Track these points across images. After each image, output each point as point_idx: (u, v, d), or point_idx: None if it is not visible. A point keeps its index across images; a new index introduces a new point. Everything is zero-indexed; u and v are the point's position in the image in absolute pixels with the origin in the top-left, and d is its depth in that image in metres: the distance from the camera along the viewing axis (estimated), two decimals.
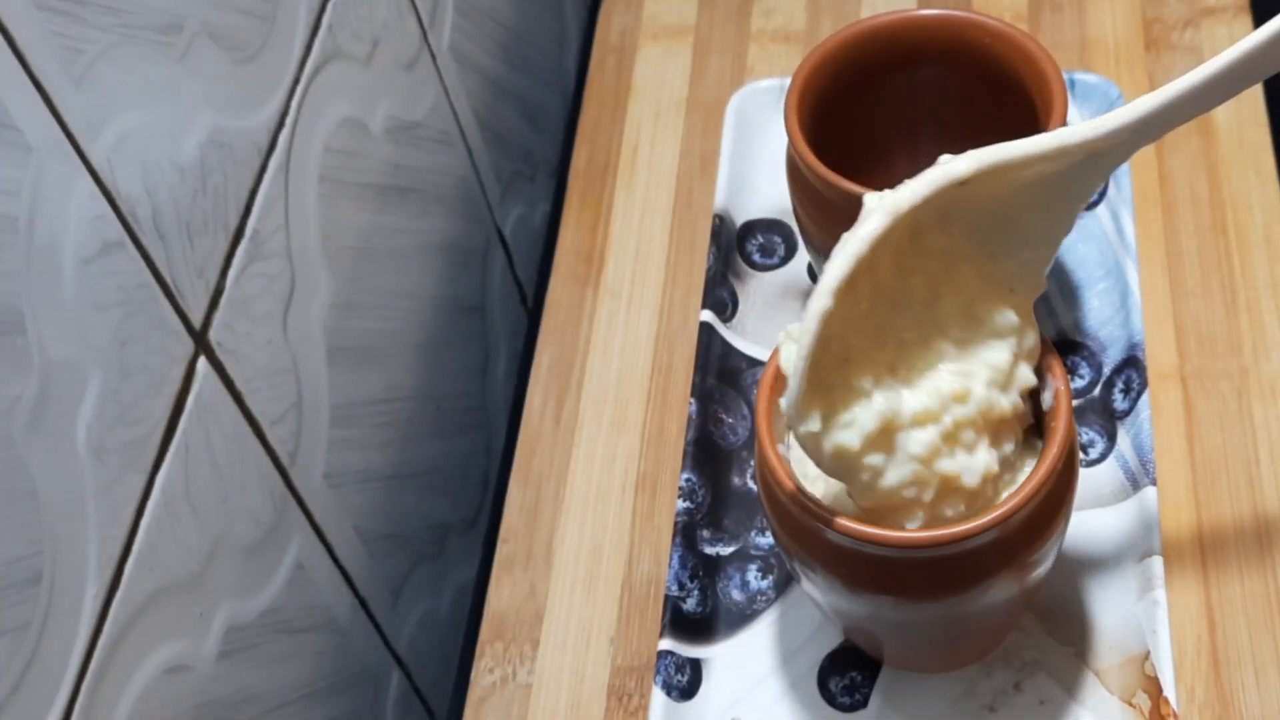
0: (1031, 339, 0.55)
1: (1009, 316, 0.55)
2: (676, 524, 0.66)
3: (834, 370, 0.52)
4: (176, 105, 0.55)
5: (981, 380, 0.54)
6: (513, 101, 0.91)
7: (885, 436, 0.52)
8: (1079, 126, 0.52)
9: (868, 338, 0.53)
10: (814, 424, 0.51)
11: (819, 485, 0.56)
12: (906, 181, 0.53)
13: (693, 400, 0.70)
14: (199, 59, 0.56)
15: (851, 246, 0.51)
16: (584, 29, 0.99)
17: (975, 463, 0.54)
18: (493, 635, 0.67)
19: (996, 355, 0.54)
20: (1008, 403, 0.54)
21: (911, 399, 0.53)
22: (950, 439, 0.53)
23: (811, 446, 0.52)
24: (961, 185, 0.52)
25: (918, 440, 0.53)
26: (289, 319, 0.63)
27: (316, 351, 0.66)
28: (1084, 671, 0.61)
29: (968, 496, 0.54)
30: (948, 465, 0.53)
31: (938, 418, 0.53)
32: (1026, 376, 0.55)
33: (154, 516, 0.53)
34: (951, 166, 0.52)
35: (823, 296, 0.50)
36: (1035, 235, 0.55)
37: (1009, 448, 0.55)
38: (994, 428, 0.54)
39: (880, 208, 0.51)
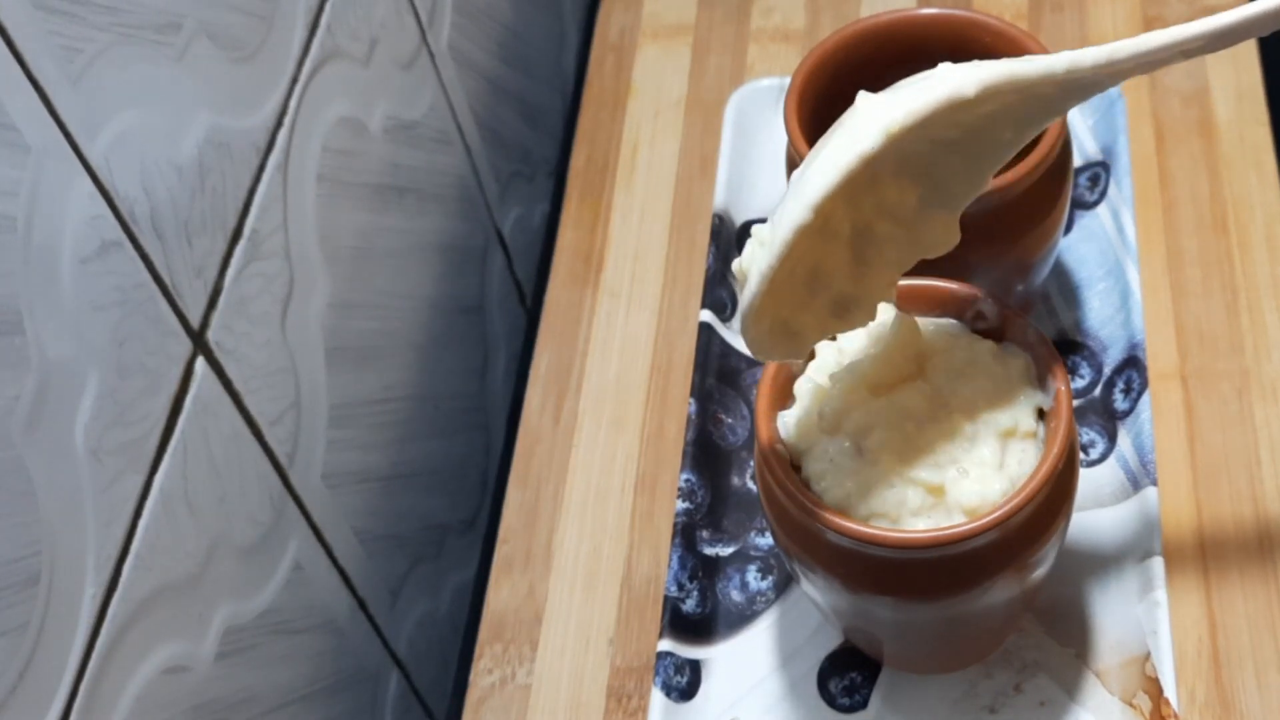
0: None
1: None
2: (676, 524, 0.66)
3: (797, 289, 0.49)
4: (175, 105, 0.55)
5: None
6: (511, 101, 0.91)
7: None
8: (1091, 50, 0.47)
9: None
10: (764, 333, 0.50)
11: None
12: (900, 89, 0.47)
13: (692, 400, 0.69)
14: (197, 58, 0.56)
15: (843, 160, 0.46)
16: (583, 28, 0.99)
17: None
18: (491, 636, 0.67)
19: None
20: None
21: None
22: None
23: (755, 348, 0.51)
24: (965, 107, 0.45)
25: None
26: (287, 319, 0.63)
27: (315, 351, 0.66)
28: (1084, 672, 0.61)
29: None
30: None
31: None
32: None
33: (152, 517, 0.53)
34: (956, 82, 0.46)
35: (804, 209, 0.46)
36: (978, 171, 0.49)
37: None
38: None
39: (877, 125, 0.45)
